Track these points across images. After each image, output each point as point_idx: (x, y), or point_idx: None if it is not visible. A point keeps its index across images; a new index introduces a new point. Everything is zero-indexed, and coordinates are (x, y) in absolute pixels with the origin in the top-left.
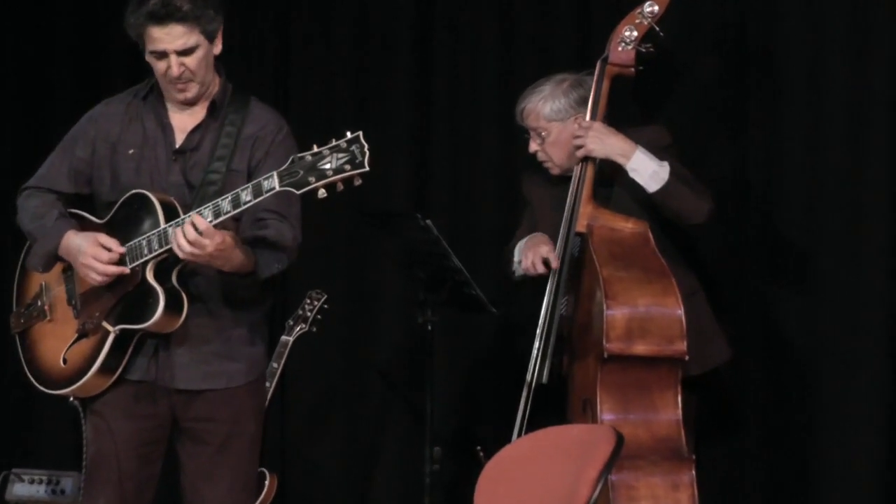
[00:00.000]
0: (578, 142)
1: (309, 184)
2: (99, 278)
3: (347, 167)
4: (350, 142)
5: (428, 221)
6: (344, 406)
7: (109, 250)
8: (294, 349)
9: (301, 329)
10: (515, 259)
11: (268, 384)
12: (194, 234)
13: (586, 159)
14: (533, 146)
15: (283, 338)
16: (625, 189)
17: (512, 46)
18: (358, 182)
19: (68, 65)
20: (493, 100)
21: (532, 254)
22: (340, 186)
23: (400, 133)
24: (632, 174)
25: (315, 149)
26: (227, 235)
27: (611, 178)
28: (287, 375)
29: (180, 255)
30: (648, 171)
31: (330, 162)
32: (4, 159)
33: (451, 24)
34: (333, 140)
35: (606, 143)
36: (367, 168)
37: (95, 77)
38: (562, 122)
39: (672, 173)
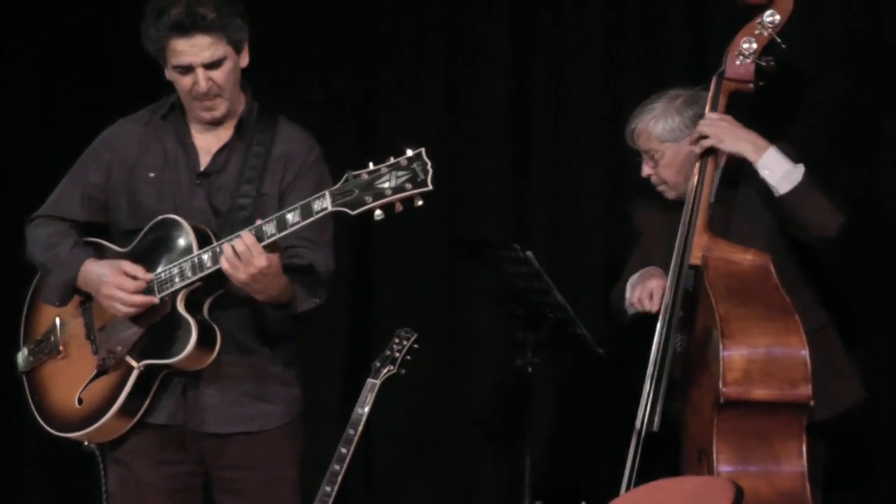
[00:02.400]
0: (706, 131)
1: (365, 203)
2: (125, 309)
3: (408, 186)
4: (411, 159)
5: (528, 253)
6: (435, 456)
7: (135, 278)
8: (381, 393)
9: (389, 371)
10: (627, 297)
11: (352, 432)
12: (242, 246)
13: (702, 174)
14: (646, 170)
15: (370, 381)
16: (753, 191)
17: (618, 60)
18: (419, 203)
19: (126, 62)
20: (599, 118)
21: (641, 288)
22: (399, 207)
23: (496, 154)
24: (762, 172)
25: (371, 166)
26: (273, 259)
27: (736, 177)
28: (373, 422)
29: (223, 266)
30: (781, 170)
31: (389, 180)
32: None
33: (552, 35)
34: (392, 157)
35: (739, 135)
36: (430, 187)
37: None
38: (676, 143)
39: (806, 176)
